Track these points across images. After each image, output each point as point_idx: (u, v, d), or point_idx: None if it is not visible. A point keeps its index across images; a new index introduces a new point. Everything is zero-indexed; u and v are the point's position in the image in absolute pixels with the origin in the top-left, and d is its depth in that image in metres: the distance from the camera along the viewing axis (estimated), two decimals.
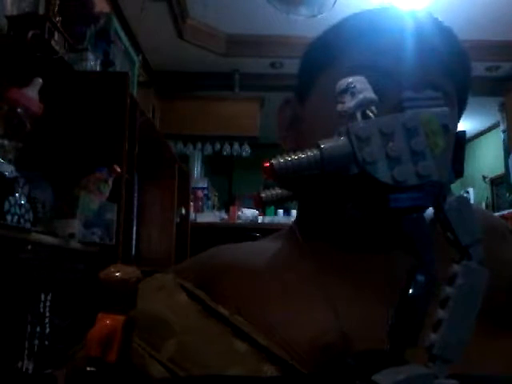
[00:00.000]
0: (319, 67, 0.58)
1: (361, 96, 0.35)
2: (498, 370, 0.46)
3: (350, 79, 0.36)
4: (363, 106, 0.34)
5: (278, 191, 0.52)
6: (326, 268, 0.54)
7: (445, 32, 0.56)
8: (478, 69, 4.22)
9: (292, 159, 0.33)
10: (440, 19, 0.57)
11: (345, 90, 0.36)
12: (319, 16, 2.89)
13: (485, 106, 4.87)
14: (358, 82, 0.36)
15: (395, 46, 0.53)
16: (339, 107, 0.36)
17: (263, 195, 0.52)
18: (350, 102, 0.35)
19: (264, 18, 3.75)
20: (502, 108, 4.84)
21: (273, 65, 4.42)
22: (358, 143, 0.33)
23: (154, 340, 0.48)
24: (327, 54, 0.57)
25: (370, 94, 0.35)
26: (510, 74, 4.46)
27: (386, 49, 0.53)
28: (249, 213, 4.42)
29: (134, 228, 2.79)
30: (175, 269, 0.61)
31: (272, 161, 0.33)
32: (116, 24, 2.74)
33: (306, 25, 2.58)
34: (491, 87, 4.52)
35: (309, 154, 0.33)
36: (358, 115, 0.34)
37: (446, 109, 0.35)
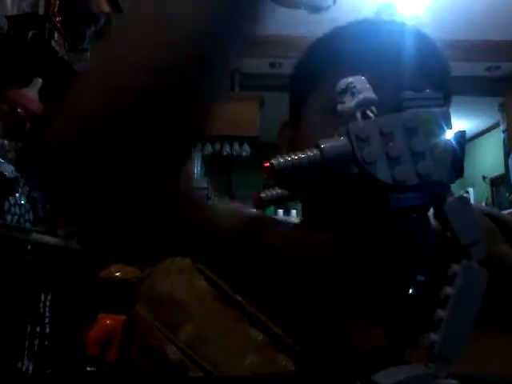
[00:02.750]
0: (311, 83, 0.58)
1: (361, 96, 0.35)
2: (498, 371, 0.46)
3: (350, 79, 0.36)
4: (363, 105, 0.34)
5: (278, 191, 0.52)
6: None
7: (425, 37, 0.58)
8: (478, 69, 4.22)
9: (292, 159, 0.33)
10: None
11: (345, 90, 0.36)
12: (319, 16, 2.89)
13: (485, 106, 4.87)
14: (358, 81, 0.36)
15: (390, 57, 0.53)
16: (339, 107, 0.36)
17: (263, 195, 0.52)
18: (350, 102, 0.35)
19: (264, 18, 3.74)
20: (502, 108, 4.84)
21: (273, 65, 4.41)
22: (358, 143, 0.33)
23: (171, 322, 0.49)
24: (319, 71, 0.57)
25: (370, 94, 0.35)
26: (510, 73, 4.46)
27: (383, 55, 0.54)
28: None
29: None
30: None
31: (272, 161, 0.33)
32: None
33: (306, 25, 2.59)
34: (491, 87, 4.51)
35: (309, 153, 0.33)
36: (358, 115, 0.34)
37: (445, 109, 0.35)
